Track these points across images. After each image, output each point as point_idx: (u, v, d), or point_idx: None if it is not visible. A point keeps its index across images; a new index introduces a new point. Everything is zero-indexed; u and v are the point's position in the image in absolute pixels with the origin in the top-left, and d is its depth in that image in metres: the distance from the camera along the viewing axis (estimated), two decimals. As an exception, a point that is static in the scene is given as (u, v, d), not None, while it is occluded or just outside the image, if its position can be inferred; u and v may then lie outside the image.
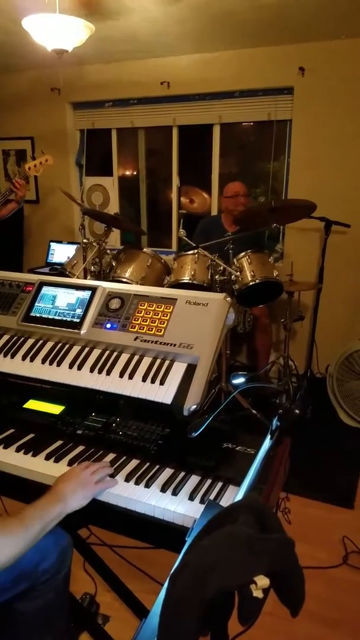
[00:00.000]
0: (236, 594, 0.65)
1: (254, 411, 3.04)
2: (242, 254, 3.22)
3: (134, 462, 1.34)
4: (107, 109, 4.76)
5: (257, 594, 0.63)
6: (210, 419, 1.15)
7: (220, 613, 0.72)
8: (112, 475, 1.27)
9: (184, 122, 4.52)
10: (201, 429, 1.14)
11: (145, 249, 3.41)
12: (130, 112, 4.67)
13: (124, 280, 3.25)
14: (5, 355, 1.69)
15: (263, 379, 3.61)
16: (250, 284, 3.15)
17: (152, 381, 1.45)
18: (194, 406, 1.32)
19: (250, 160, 4.63)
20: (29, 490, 1.16)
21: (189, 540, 0.91)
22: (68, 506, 1.10)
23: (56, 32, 2.91)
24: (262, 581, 0.63)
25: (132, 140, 4.91)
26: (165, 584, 0.76)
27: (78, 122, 4.96)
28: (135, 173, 5.09)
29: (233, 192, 3.69)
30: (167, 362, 1.48)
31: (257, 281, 3.14)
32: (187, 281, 3.15)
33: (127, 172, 5.09)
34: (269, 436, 1.16)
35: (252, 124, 4.49)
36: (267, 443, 1.16)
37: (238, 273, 3.18)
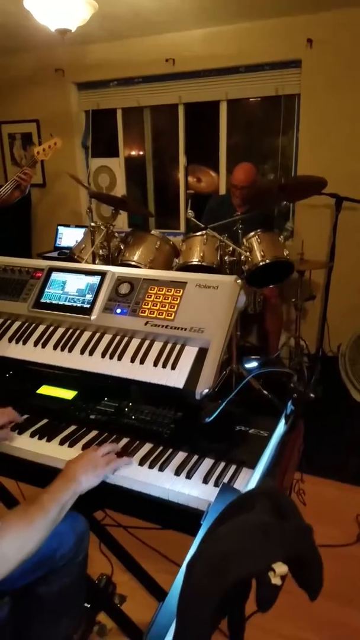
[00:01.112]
0: (254, 581, 0.65)
1: (265, 392, 3.07)
2: (252, 233, 3.18)
3: (147, 446, 1.34)
4: (112, 88, 4.69)
5: (276, 581, 0.62)
6: (224, 404, 1.14)
7: (237, 599, 0.72)
8: (126, 460, 1.27)
9: (190, 100, 4.45)
10: (215, 415, 1.14)
11: (153, 231, 3.39)
12: (135, 91, 4.60)
13: (133, 263, 3.24)
14: (17, 342, 1.69)
15: (275, 362, 3.59)
16: (260, 264, 3.10)
17: (164, 366, 1.44)
18: (206, 390, 1.32)
19: (259, 136, 4.56)
20: (45, 475, 1.17)
21: (204, 524, 0.91)
22: (81, 485, 1.11)
23: (59, 11, 2.85)
24: (281, 568, 0.62)
25: (138, 120, 4.85)
26: (182, 570, 0.75)
27: (83, 102, 4.91)
28: (141, 153, 5.02)
29: (236, 181, 3.61)
30: (178, 347, 1.48)
31: (267, 261, 3.10)
32: (196, 263, 3.12)
33: (134, 153, 5.03)
34: (283, 420, 1.15)
35: (259, 99, 4.41)
36: (281, 427, 1.15)
37: (248, 253, 3.14)
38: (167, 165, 4.99)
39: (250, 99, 4.41)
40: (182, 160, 4.65)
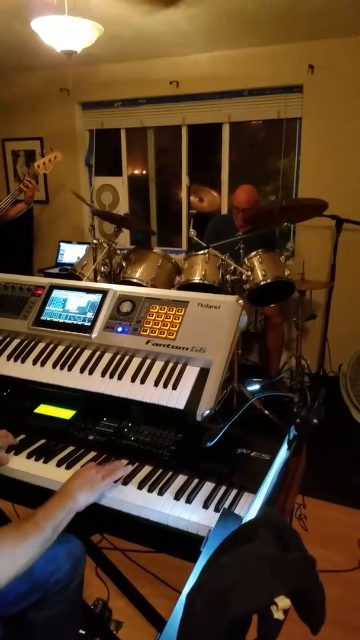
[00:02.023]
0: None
1: (266, 412, 3.05)
2: (253, 253, 3.19)
3: (146, 469, 1.32)
4: (116, 108, 4.74)
5: (278, 615, 0.60)
6: (226, 428, 1.12)
7: (237, 632, 0.70)
8: (125, 483, 1.25)
9: (193, 121, 4.50)
10: (216, 439, 1.12)
11: (155, 249, 3.39)
12: (139, 111, 4.65)
13: (135, 280, 3.24)
14: (15, 360, 1.67)
15: (278, 384, 3.56)
16: (262, 283, 3.11)
17: (165, 386, 1.42)
18: (207, 411, 1.30)
19: (261, 158, 4.58)
20: (42, 498, 1.14)
21: (204, 551, 0.88)
22: (78, 503, 1.09)
23: (65, 33, 2.88)
24: (283, 602, 0.60)
25: (142, 140, 4.89)
26: (181, 600, 0.73)
27: (87, 122, 4.95)
28: (144, 172, 5.05)
29: (238, 203, 3.62)
30: (179, 366, 1.46)
31: (268, 281, 3.11)
32: (197, 281, 3.13)
33: (137, 172, 5.06)
34: (285, 445, 1.13)
35: (261, 122, 4.45)
36: (283, 452, 1.13)
37: (249, 273, 3.16)
38: (169, 184, 5.02)
39: (253, 122, 4.45)
40: (185, 180, 4.68)
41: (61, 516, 1.04)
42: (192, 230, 3.11)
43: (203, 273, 3.16)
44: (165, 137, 4.81)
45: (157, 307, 1.56)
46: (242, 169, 4.56)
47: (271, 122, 4.24)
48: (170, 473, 1.29)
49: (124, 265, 3.35)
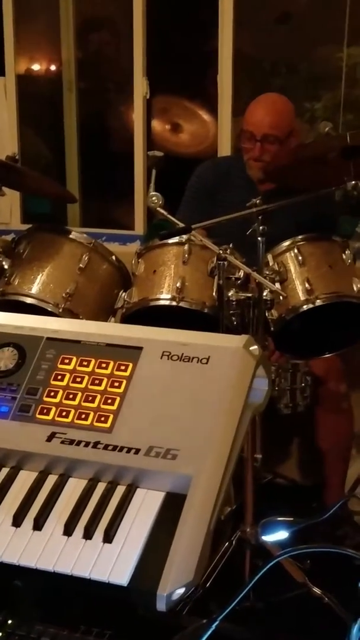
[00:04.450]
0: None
1: (316, 590, 1.99)
2: (287, 243, 2.12)
3: None
4: None
5: None
6: (214, 625, 0.89)
7: None
8: None
9: None
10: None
11: (74, 233, 2.28)
12: None
13: (28, 301, 2.20)
14: None
15: (341, 525, 2.29)
16: (305, 308, 2.05)
17: (86, 534, 0.96)
18: (181, 589, 0.90)
19: (300, 45, 3.31)
20: None
21: None
22: None
23: None
24: None
25: (50, 3, 3.59)
26: None
27: None
28: (53, 69, 3.67)
29: (254, 127, 2.45)
30: (119, 490, 1.04)
31: (318, 303, 2.04)
32: (166, 303, 2.09)
33: (37, 67, 3.72)
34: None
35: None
36: None
37: (278, 285, 2.03)
38: (107, 95, 3.72)
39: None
40: (141, 86, 3.28)
41: None
42: (153, 193, 2.01)
43: (177, 285, 2.06)
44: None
45: (74, 358, 1.15)
46: (262, 67, 3.40)
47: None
48: None
49: (7, 267, 2.22)
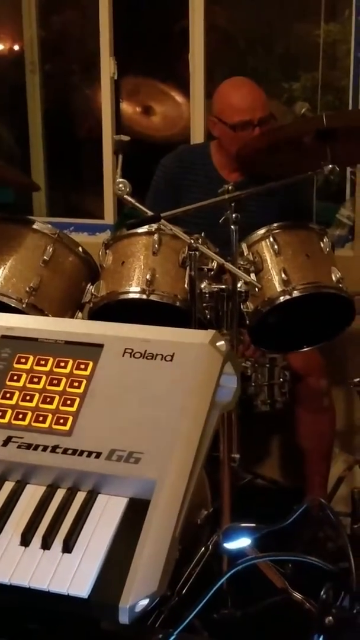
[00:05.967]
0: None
1: (297, 595, 1.89)
2: (262, 231, 2.02)
3: None
4: None
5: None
6: (176, 632, 0.92)
7: None
8: None
9: None
10: None
11: (37, 223, 2.16)
12: None
13: None
14: None
15: (325, 530, 2.16)
16: (282, 299, 1.96)
17: (44, 544, 0.96)
18: (144, 600, 0.88)
19: (275, 22, 3.22)
20: None
21: None
22: None
23: None
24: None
25: None
26: None
27: None
28: (16, 49, 3.54)
29: (253, 117, 2.32)
30: (80, 496, 1.04)
31: (295, 294, 1.95)
32: (135, 297, 2.01)
33: None
34: None
35: None
36: None
37: (253, 276, 1.93)
38: (72, 76, 3.59)
39: None
40: (108, 66, 3.12)
41: None
42: (120, 180, 1.93)
43: (147, 278, 1.96)
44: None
45: (31, 357, 1.13)
46: (236, 45, 3.31)
47: None
48: None
49: None
